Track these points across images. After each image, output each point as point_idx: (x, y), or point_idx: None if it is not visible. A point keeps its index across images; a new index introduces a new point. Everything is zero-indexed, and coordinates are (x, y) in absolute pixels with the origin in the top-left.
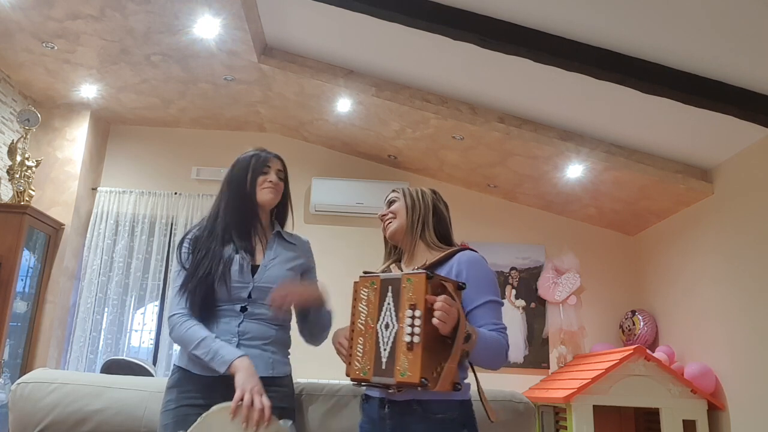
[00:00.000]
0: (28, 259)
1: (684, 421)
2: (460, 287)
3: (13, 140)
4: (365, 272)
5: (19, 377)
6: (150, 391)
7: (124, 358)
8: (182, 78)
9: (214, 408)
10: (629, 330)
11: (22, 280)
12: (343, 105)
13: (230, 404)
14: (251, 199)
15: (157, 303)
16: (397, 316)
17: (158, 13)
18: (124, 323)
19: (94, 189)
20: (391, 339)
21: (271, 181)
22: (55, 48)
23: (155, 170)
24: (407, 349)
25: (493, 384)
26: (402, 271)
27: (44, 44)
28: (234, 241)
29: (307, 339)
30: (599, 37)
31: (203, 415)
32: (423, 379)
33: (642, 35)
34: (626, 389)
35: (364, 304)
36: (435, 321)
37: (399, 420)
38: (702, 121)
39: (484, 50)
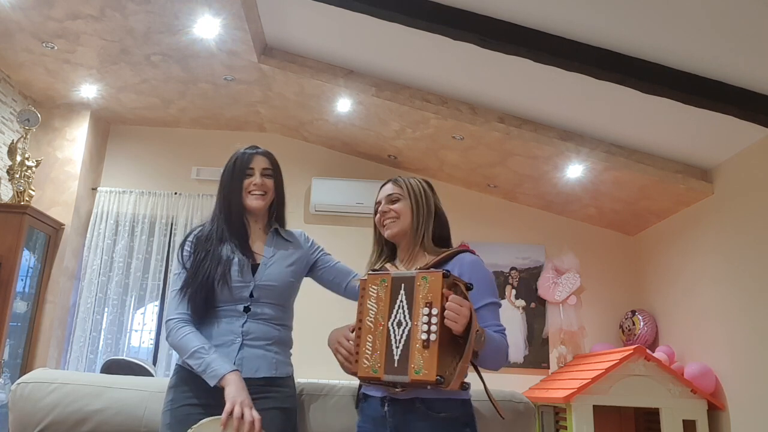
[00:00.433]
0: (28, 259)
1: (684, 421)
2: (468, 288)
3: (13, 140)
4: (373, 270)
5: (19, 377)
6: (150, 391)
7: (124, 358)
8: (182, 78)
9: (204, 420)
10: (629, 330)
11: (22, 280)
12: (343, 105)
13: (221, 417)
14: (239, 205)
15: (157, 303)
16: (410, 314)
17: (158, 13)
18: (124, 323)
19: (94, 189)
20: (405, 337)
21: (256, 184)
22: (55, 48)
23: (155, 170)
24: (423, 347)
25: (493, 384)
26: (398, 270)
27: (44, 44)
28: (232, 242)
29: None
30: (599, 37)
31: (192, 427)
32: (439, 377)
33: (642, 35)
34: (626, 389)
35: (374, 301)
36: (447, 321)
37: (401, 418)
38: (702, 121)
39: (484, 50)
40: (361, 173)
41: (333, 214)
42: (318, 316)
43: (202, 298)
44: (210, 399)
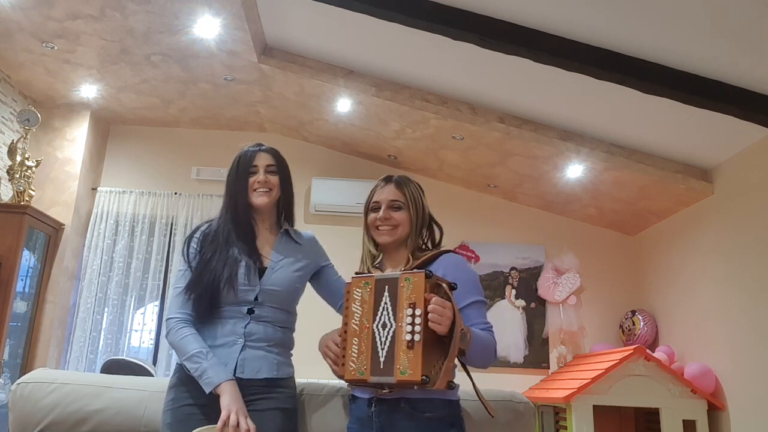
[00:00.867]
0: (28, 259)
1: (684, 421)
2: (452, 287)
3: (13, 140)
4: (357, 273)
5: (19, 377)
6: (150, 391)
7: (124, 358)
8: (182, 78)
9: (199, 429)
10: (629, 330)
11: (22, 280)
12: (343, 105)
13: (215, 426)
14: (245, 203)
15: (157, 303)
16: (395, 315)
17: (158, 13)
18: (124, 323)
19: (94, 189)
20: (389, 338)
21: (260, 182)
22: (55, 48)
23: (155, 170)
24: (407, 348)
25: (493, 384)
26: (383, 273)
27: (44, 44)
28: (239, 244)
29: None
30: (599, 37)
31: None
32: (424, 377)
33: (642, 35)
34: (626, 389)
35: (358, 304)
36: (430, 324)
37: (386, 418)
38: (702, 121)
39: (484, 50)
40: (361, 173)
41: (333, 214)
42: (319, 316)
43: (208, 300)
44: (211, 398)
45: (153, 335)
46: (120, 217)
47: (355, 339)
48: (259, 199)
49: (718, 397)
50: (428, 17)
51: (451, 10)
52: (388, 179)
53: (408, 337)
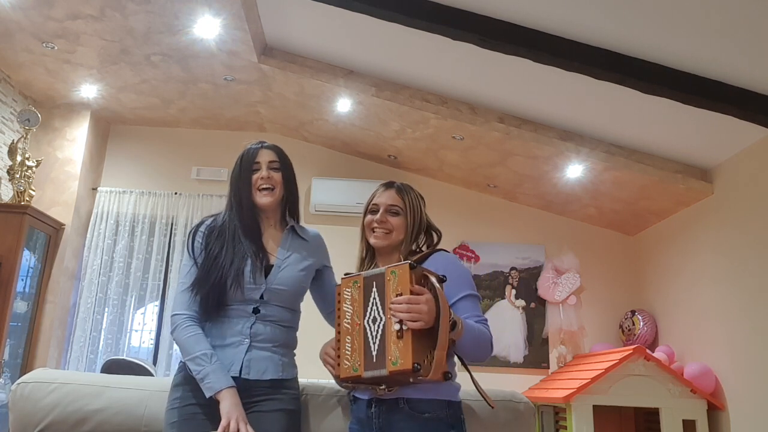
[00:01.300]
0: (28, 259)
1: (684, 421)
2: (441, 280)
3: (13, 140)
4: (346, 274)
5: (19, 377)
6: (150, 391)
7: (124, 358)
8: (182, 78)
9: None
10: (629, 330)
11: (22, 280)
12: (343, 105)
13: None
14: (250, 201)
15: (157, 303)
16: (383, 308)
17: (158, 13)
18: (124, 323)
19: (94, 189)
20: (380, 331)
21: (263, 178)
22: (55, 48)
23: (155, 170)
24: (397, 338)
25: (493, 384)
26: (370, 270)
27: (44, 44)
28: (245, 241)
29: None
30: (599, 37)
31: None
32: (416, 365)
33: (642, 35)
34: (626, 389)
35: (349, 303)
36: (408, 324)
37: (386, 419)
38: (702, 121)
39: (484, 50)
40: (361, 173)
41: (333, 214)
42: (319, 314)
43: (215, 299)
44: (214, 400)
45: (153, 335)
46: (120, 217)
47: (348, 337)
48: (263, 199)
49: (717, 397)
50: (428, 17)
51: (450, 10)
52: (390, 184)
53: (397, 326)
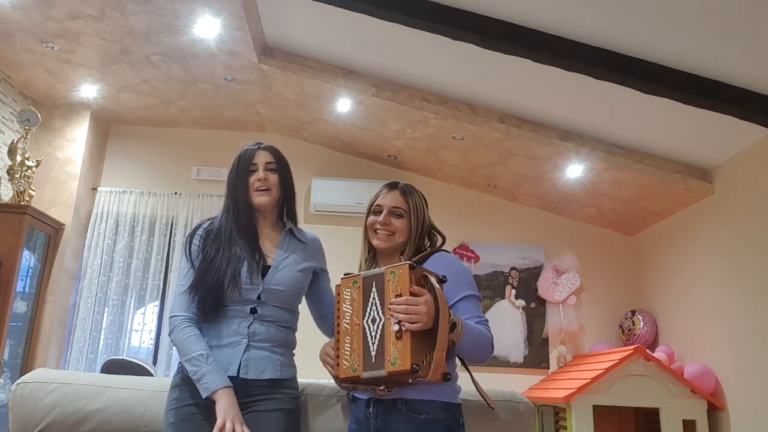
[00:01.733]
0: (28, 259)
1: (684, 421)
2: (441, 280)
3: (13, 140)
4: (346, 274)
5: (19, 377)
6: (150, 391)
7: (124, 358)
8: (182, 78)
9: None
10: (629, 330)
11: (22, 280)
12: (343, 105)
13: None
14: (246, 203)
15: (157, 303)
16: (383, 309)
17: (158, 13)
18: (124, 323)
19: (94, 189)
20: (379, 331)
21: (260, 180)
22: (55, 48)
23: (155, 170)
24: (396, 339)
25: (493, 384)
26: (370, 270)
27: (44, 44)
28: (241, 242)
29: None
30: (599, 37)
31: None
32: (414, 365)
33: (642, 35)
34: (626, 389)
35: (348, 303)
36: (407, 325)
37: (384, 419)
38: (701, 121)
39: (484, 50)
40: (361, 173)
41: (333, 214)
42: None
43: (212, 299)
44: (211, 400)
45: (153, 335)
46: (120, 217)
47: (347, 337)
48: (260, 199)
49: (718, 397)
50: (428, 17)
51: (451, 10)
52: (393, 185)
53: (396, 327)
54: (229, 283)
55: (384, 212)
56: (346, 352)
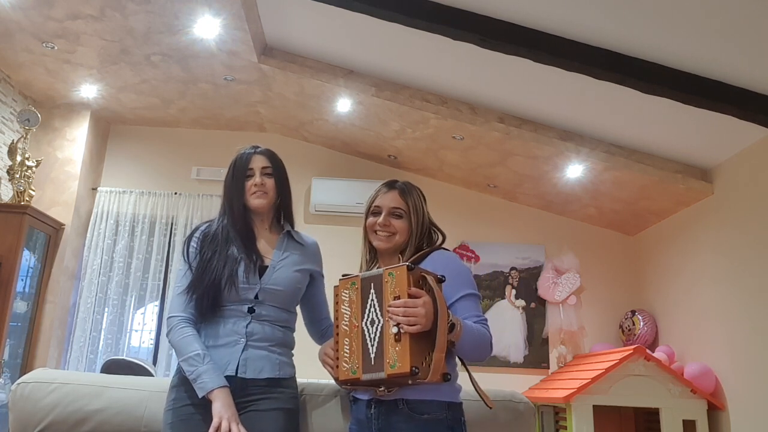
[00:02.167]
0: (28, 259)
1: (684, 421)
2: (440, 280)
3: (13, 140)
4: (344, 275)
5: (19, 377)
6: (150, 391)
7: (124, 358)
8: (182, 78)
9: None
10: (629, 330)
11: (22, 280)
12: (343, 105)
13: None
14: (242, 207)
15: (157, 303)
16: (381, 311)
17: (158, 13)
18: (124, 323)
19: (94, 189)
20: (378, 334)
21: (256, 184)
22: (55, 48)
23: (155, 170)
24: (395, 341)
25: (493, 384)
26: (368, 271)
27: (44, 44)
28: (238, 243)
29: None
30: (599, 37)
31: None
32: (414, 368)
33: (642, 35)
34: (626, 389)
35: (347, 305)
36: (405, 327)
37: (385, 420)
38: (701, 121)
39: (484, 50)
40: (361, 173)
41: (333, 214)
42: None
43: (210, 299)
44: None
45: (153, 335)
46: (120, 217)
47: (346, 339)
48: (256, 201)
49: (718, 397)
50: (428, 17)
51: (451, 10)
52: (392, 185)
53: (395, 329)
54: (227, 282)
55: (383, 213)
56: (345, 354)
